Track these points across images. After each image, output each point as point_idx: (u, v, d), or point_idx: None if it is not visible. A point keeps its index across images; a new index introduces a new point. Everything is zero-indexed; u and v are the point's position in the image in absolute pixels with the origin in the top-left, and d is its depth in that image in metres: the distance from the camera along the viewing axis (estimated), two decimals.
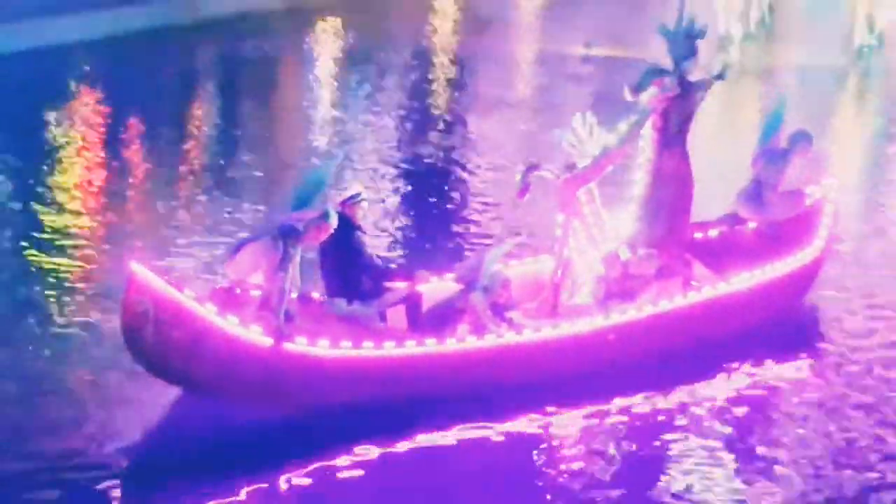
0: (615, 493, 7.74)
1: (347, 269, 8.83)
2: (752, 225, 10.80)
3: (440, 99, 19.36)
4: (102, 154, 14.88)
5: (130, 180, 13.96)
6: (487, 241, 11.59)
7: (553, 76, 20.72)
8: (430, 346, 8.43)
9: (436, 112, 18.29)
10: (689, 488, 7.84)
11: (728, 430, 8.64)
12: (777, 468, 8.12)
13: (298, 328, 8.16)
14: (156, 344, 7.92)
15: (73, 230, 12.04)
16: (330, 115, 17.74)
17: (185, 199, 13.27)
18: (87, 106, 17.18)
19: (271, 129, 17.34)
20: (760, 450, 8.35)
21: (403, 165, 15.04)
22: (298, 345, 8.06)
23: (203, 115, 17.63)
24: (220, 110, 18.08)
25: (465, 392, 8.40)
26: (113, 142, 15.29)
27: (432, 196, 13.91)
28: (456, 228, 12.62)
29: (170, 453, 8.02)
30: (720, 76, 10.04)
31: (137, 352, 8.10)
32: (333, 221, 8.27)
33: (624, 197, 10.12)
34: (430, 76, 20.86)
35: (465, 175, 14.83)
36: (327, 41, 23.38)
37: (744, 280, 9.86)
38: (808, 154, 10.97)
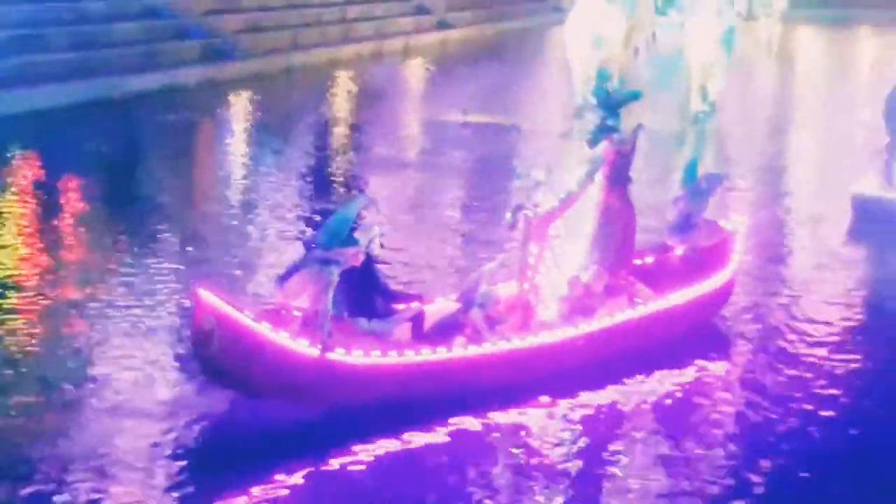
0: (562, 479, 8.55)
1: (365, 293, 9.68)
2: (678, 251, 11.81)
3: (340, 161, 19.58)
4: (33, 217, 14.79)
5: (61, 245, 13.74)
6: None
7: (436, 140, 21.25)
8: (441, 353, 9.40)
9: (336, 172, 18.46)
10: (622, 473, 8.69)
11: (658, 422, 9.59)
12: (698, 454, 8.95)
13: (336, 341, 9.00)
14: (220, 356, 8.63)
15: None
16: (241, 177, 17.75)
17: (112, 258, 12.97)
18: (21, 172, 17.14)
19: (188, 191, 17.32)
20: (689, 440, 9.20)
21: (310, 217, 15.08)
22: (338, 354, 8.95)
23: (128, 180, 17.51)
24: (143, 175, 18.02)
25: (469, 389, 9.40)
26: (44, 207, 15.21)
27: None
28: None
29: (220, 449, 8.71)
30: (638, 129, 11.17)
31: (204, 363, 8.85)
32: (363, 250, 9.26)
33: (579, 231, 10.91)
34: (330, 141, 21.35)
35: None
36: (240, 112, 23.78)
37: (676, 297, 10.93)
38: (718, 193, 12.32)
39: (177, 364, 9.94)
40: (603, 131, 10.80)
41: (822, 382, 10.45)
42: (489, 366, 9.61)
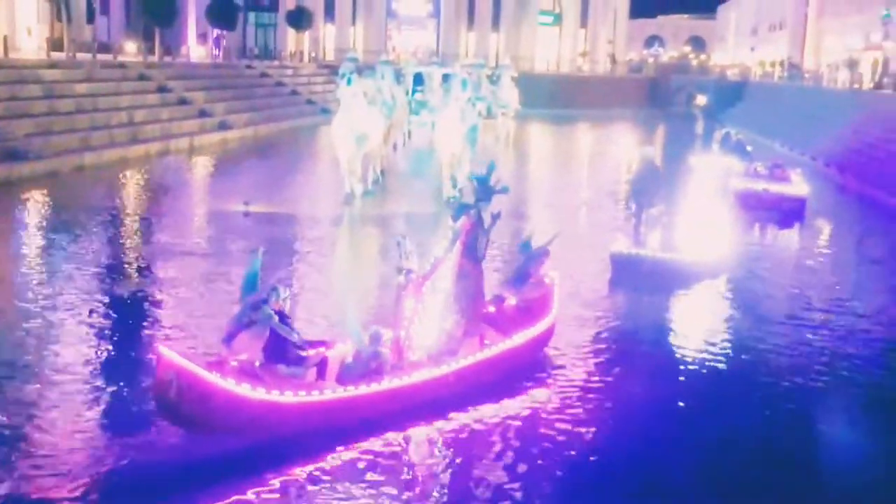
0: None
1: (280, 343, 10.22)
2: (512, 301, 13.04)
3: (129, 251, 19.07)
4: None
5: None
6: None
7: (220, 229, 21.02)
8: (350, 390, 10.23)
9: (126, 261, 17.95)
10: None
11: (498, 438, 10.43)
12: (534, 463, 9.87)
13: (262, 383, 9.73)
14: (178, 401, 9.21)
15: None
16: (33, 271, 16.72)
17: None
18: None
19: None
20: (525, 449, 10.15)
21: (105, 300, 14.70)
22: (273, 394, 9.66)
23: None
24: None
25: (374, 416, 10.23)
26: None
27: (130, 321, 13.78)
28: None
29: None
30: (496, 216, 11.96)
31: (164, 408, 9.36)
32: (281, 295, 10.19)
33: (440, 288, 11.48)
34: (120, 233, 20.68)
35: (157, 309, 14.64)
36: (32, 209, 22.68)
37: (517, 338, 12.08)
38: (546, 261, 13.50)
39: None
40: (463, 208, 11.63)
41: (601, 398, 11.78)
42: (390, 398, 10.45)
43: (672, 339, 14.33)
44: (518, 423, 10.82)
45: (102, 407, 10.64)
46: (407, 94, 35.23)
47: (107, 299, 14.96)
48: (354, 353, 10.79)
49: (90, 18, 52.45)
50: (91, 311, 14.22)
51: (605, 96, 71.21)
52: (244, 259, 18.17)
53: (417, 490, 9.29)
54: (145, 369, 11.69)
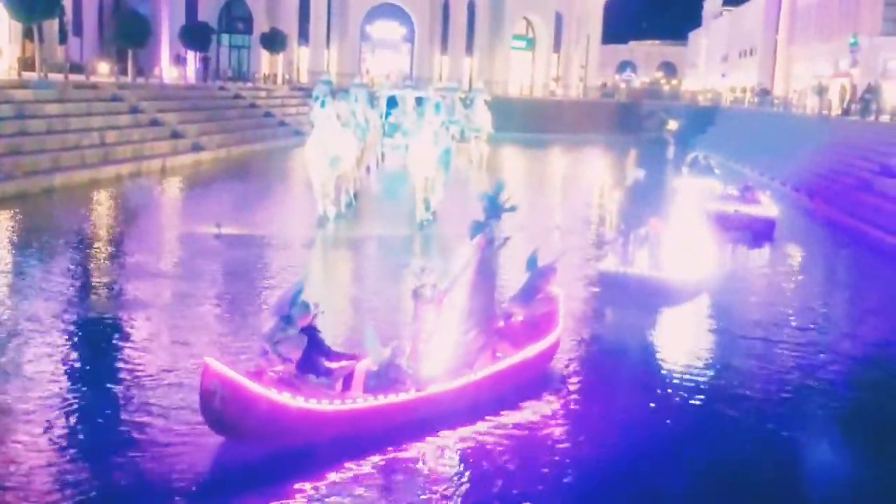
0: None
1: (311, 355, 10.64)
2: (519, 317, 13.46)
3: (99, 273, 18.85)
4: None
5: None
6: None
7: (191, 251, 20.93)
8: (381, 400, 10.77)
9: (95, 283, 17.79)
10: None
11: (510, 444, 10.91)
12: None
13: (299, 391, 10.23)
14: (223, 410, 9.76)
15: None
16: (2, 292, 16.55)
17: None
18: None
19: None
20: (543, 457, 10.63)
21: (74, 322, 14.64)
22: (311, 403, 10.17)
23: None
24: None
25: (401, 425, 10.75)
26: None
27: (100, 343, 13.71)
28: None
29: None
30: (506, 239, 12.69)
31: (210, 417, 9.88)
32: (311, 311, 10.65)
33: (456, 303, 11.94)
34: (90, 255, 20.50)
35: (128, 331, 14.57)
36: (3, 229, 22.37)
37: (528, 351, 12.62)
38: (553, 278, 13.90)
39: None
40: (479, 227, 12.22)
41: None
42: (416, 407, 10.96)
43: (660, 354, 14.99)
44: (519, 434, 11.27)
45: (67, 434, 10.51)
46: (381, 116, 35.26)
47: (76, 321, 14.82)
48: (378, 366, 11.17)
49: (63, 39, 52.04)
50: (60, 333, 14.08)
51: (578, 121, 71.69)
52: (215, 281, 18.28)
53: (430, 498, 9.57)
54: (112, 395, 11.64)
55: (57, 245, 20.88)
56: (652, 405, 12.45)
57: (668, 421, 12.01)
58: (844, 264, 25.03)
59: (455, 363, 11.62)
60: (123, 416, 10.98)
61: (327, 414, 10.30)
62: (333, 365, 11.01)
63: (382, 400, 10.76)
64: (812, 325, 17.27)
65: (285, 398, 10.01)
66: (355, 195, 27.75)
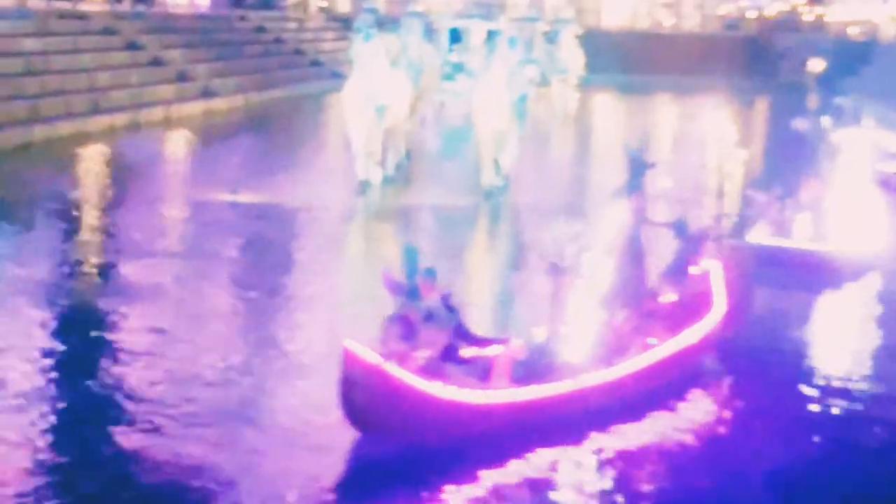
0: None
1: (452, 341, 11.27)
2: (670, 296, 13.59)
3: (88, 250, 19.08)
4: None
5: None
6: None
7: (201, 223, 21.14)
8: (535, 392, 11.31)
9: (84, 263, 17.98)
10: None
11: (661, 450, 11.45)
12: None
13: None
14: (365, 402, 10.49)
15: None
16: None
17: None
18: None
19: None
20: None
21: (55, 312, 14.80)
22: (461, 394, 10.85)
23: None
24: None
25: (553, 419, 11.25)
26: None
27: (87, 338, 13.80)
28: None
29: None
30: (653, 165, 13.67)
31: (349, 408, 10.61)
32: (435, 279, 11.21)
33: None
34: (77, 227, 20.75)
35: (120, 323, 14.69)
36: None
37: (689, 336, 12.94)
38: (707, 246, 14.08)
39: None
40: (635, 187, 13.23)
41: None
42: (571, 400, 11.48)
43: (822, 349, 15.33)
44: (671, 438, 11.76)
45: (49, 440, 10.79)
46: (440, 54, 35.13)
47: (56, 311, 15.02)
48: (527, 352, 11.69)
49: None
50: (38, 325, 14.29)
51: (693, 60, 70.78)
52: (230, 262, 18.43)
53: None
54: (101, 400, 11.88)
55: (34, 216, 21.22)
56: (813, 409, 12.74)
57: (832, 432, 12.18)
58: None
59: (604, 349, 12.19)
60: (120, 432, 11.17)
61: (481, 408, 10.95)
62: (473, 351, 11.49)
63: (540, 392, 11.32)
64: None
65: (437, 388, 10.67)
66: (407, 154, 27.72)
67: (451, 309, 11.37)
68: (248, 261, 18.73)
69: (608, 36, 66.78)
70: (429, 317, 10.99)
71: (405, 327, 10.93)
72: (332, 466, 10.70)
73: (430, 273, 11.24)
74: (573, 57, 45.62)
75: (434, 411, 10.72)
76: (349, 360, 10.50)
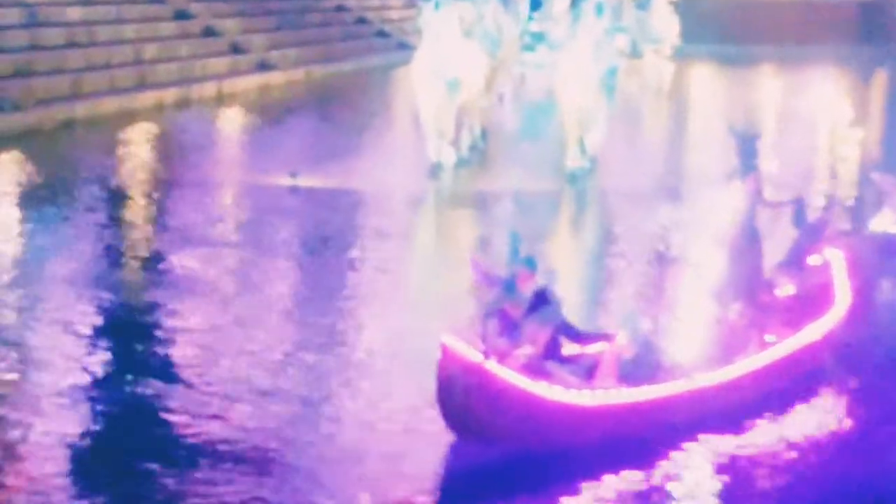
0: None
1: (553, 336, 11.33)
2: (787, 289, 13.72)
3: (134, 237, 19.40)
4: None
5: None
6: None
7: (257, 210, 21.31)
8: (648, 393, 11.35)
9: (130, 250, 18.32)
10: None
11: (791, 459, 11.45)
12: None
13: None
14: (465, 403, 10.54)
15: None
16: (9, 264, 17.16)
17: None
18: None
19: None
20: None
21: (99, 307, 14.99)
22: (570, 395, 10.88)
23: None
24: None
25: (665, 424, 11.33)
26: None
27: (133, 337, 13.96)
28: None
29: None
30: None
31: (447, 410, 10.69)
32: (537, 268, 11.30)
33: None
34: (122, 213, 21.03)
35: (168, 321, 14.85)
36: (5, 178, 23.09)
37: (810, 332, 12.97)
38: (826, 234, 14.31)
39: None
40: (749, 168, 13.22)
41: None
42: (688, 402, 11.52)
43: None
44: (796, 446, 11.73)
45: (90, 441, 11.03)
46: (520, 22, 35.00)
47: (101, 305, 15.17)
48: (633, 350, 11.82)
49: None
50: (81, 321, 14.43)
51: (801, 27, 69.90)
52: (287, 252, 18.50)
53: None
54: (145, 403, 12.05)
55: (77, 200, 21.39)
56: None
57: None
58: None
59: (717, 346, 12.40)
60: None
61: (590, 410, 11.01)
62: (576, 348, 11.64)
63: (652, 392, 11.37)
64: None
65: (543, 389, 10.72)
66: (483, 133, 27.62)
67: (550, 302, 11.32)
68: (309, 251, 18.79)
69: (706, 1, 66.17)
70: (531, 310, 11.00)
71: (505, 322, 10.93)
72: (408, 476, 10.69)
73: (531, 262, 11.27)
74: (667, 25, 45.34)
75: (540, 414, 10.76)
76: (447, 358, 10.54)
